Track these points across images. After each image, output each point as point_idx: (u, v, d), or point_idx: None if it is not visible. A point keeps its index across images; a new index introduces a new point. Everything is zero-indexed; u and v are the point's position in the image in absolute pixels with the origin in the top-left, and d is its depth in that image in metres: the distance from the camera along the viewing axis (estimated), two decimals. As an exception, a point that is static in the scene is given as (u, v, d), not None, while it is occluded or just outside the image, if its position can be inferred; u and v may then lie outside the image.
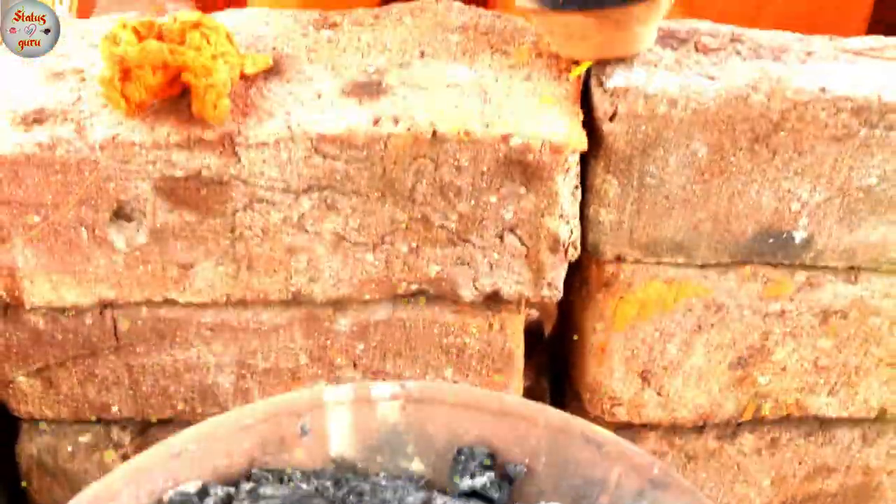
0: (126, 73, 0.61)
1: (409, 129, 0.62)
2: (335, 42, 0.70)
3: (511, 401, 0.56)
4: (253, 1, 1.21)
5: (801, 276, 0.71)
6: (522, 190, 0.64)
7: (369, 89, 0.65)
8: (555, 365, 0.87)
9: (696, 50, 0.69)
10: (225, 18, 0.72)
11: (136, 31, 0.62)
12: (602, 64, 0.66)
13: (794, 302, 0.72)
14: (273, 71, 0.67)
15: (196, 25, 0.63)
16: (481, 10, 0.74)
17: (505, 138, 0.62)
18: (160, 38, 0.63)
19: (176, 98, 0.64)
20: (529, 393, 0.83)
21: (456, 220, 0.65)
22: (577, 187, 0.66)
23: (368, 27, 0.72)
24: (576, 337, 0.77)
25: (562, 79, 0.67)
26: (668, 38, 0.70)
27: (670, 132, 0.64)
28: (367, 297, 0.70)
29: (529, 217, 0.65)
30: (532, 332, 0.84)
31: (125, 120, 0.63)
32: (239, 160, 0.62)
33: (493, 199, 0.64)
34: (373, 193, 0.64)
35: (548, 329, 0.89)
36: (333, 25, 0.72)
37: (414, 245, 0.67)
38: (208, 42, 0.63)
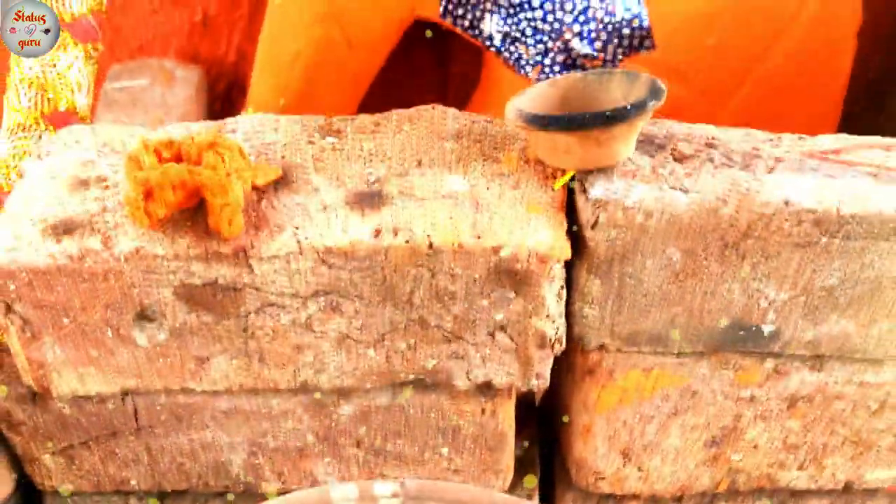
0: (149, 193, 0.66)
1: (407, 242, 0.68)
2: (339, 150, 0.76)
3: (501, 499, 0.61)
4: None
5: (769, 364, 0.77)
6: (512, 295, 0.70)
7: (371, 200, 0.71)
8: (544, 430, 0.93)
9: (673, 158, 0.75)
10: (238, 124, 0.78)
11: (157, 153, 0.68)
12: (585, 173, 0.72)
13: (763, 388, 0.78)
14: (283, 181, 0.73)
15: (212, 145, 0.69)
16: (474, 116, 0.79)
17: (495, 249, 0.68)
18: (179, 157, 0.69)
19: (194, 209, 0.70)
20: (521, 462, 0.88)
21: (451, 321, 0.71)
22: (562, 288, 0.72)
23: (370, 134, 0.77)
24: (565, 419, 0.82)
25: (548, 185, 0.73)
26: (646, 144, 0.76)
27: (647, 240, 0.70)
28: (369, 385, 0.76)
29: (518, 318, 0.71)
30: (523, 403, 0.91)
31: (147, 232, 0.68)
32: (252, 271, 0.68)
33: (485, 303, 0.70)
34: (374, 298, 0.70)
35: (538, 398, 0.95)
36: (337, 132, 0.78)
37: (412, 342, 0.72)
38: (223, 160, 0.68)
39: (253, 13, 1.39)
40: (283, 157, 0.75)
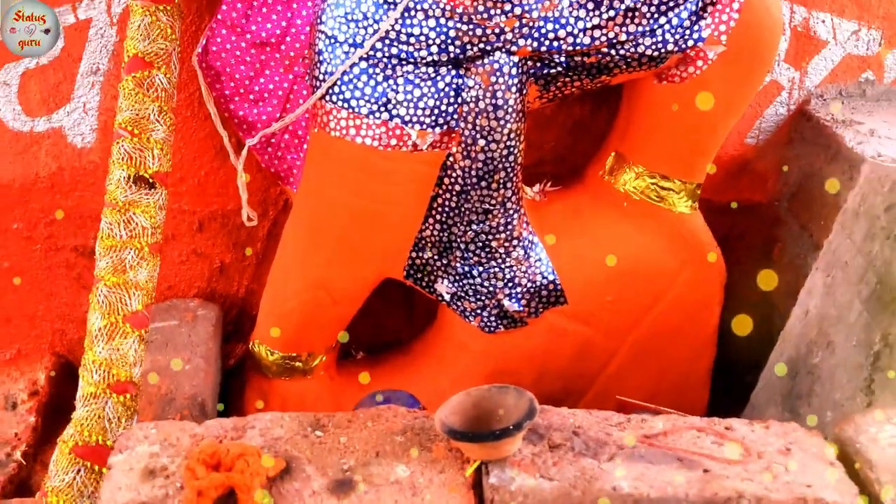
0: (200, 493, 1.03)
1: (367, 520, 1.04)
2: (325, 443, 1.12)
3: None
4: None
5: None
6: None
7: (344, 487, 1.07)
8: None
9: (549, 446, 1.11)
10: (256, 421, 1.15)
11: (205, 463, 1.05)
12: (487, 462, 1.09)
13: None
14: (286, 470, 1.09)
15: (240, 455, 1.05)
16: (417, 413, 1.17)
17: (425, 525, 1.04)
18: (218, 462, 1.06)
19: (227, 495, 1.05)
20: None
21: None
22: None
23: (345, 428, 1.14)
24: None
25: (464, 469, 1.10)
26: (532, 434, 1.13)
27: (527, 511, 1.06)
28: None
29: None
30: None
31: (197, 515, 1.04)
32: (266, 541, 1.04)
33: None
34: (346, 555, 1.05)
35: None
36: (323, 427, 1.14)
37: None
38: (248, 465, 1.05)
39: (260, 261, 1.78)
40: (286, 449, 1.12)
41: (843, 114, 1.68)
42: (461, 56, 1.38)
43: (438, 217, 1.51)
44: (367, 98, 1.39)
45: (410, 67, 1.38)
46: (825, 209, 1.61)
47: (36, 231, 1.69)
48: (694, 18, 1.38)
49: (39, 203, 1.66)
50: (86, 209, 1.67)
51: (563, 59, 1.39)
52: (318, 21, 1.41)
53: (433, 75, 1.39)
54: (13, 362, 1.77)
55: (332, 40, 1.39)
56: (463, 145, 1.44)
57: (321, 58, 1.41)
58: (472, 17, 1.35)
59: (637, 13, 1.36)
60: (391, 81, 1.39)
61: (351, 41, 1.38)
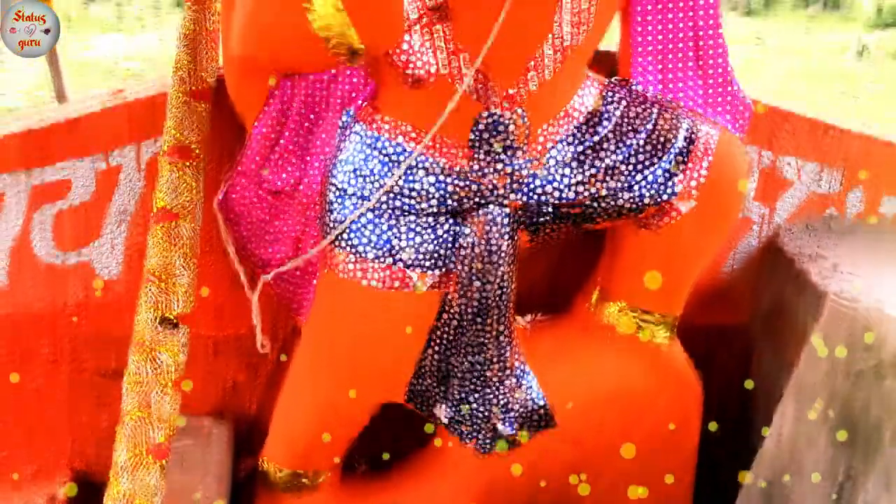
0: None
1: None
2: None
3: None
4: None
5: None
6: None
7: None
8: None
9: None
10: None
11: None
12: None
13: None
14: None
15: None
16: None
17: None
18: None
19: None
20: None
21: None
22: None
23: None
24: None
25: None
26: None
27: None
28: None
29: None
30: None
31: None
32: None
33: None
34: None
35: None
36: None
37: None
38: None
39: (270, 380, 1.89)
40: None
41: (809, 247, 1.82)
42: (458, 208, 1.53)
43: (437, 348, 1.64)
44: (372, 244, 1.54)
45: (412, 217, 1.53)
46: (795, 336, 1.74)
47: (62, 355, 1.81)
48: (668, 175, 1.53)
49: (66, 330, 1.79)
50: (109, 335, 1.79)
51: (550, 210, 1.54)
52: (330, 174, 1.56)
53: (433, 224, 1.53)
54: (33, 479, 1.87)
55: (342, 192, 1.54)
56: (460, 286, 1.57)
57: (331, 207, 1.56)
58: (468, 174, 1.50)
59: (616, 171, 1.52)
60: (395, 230, 1.53)
61: (359, 194, 1.53)
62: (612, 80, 1.59)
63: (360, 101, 1.56)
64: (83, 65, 9.07)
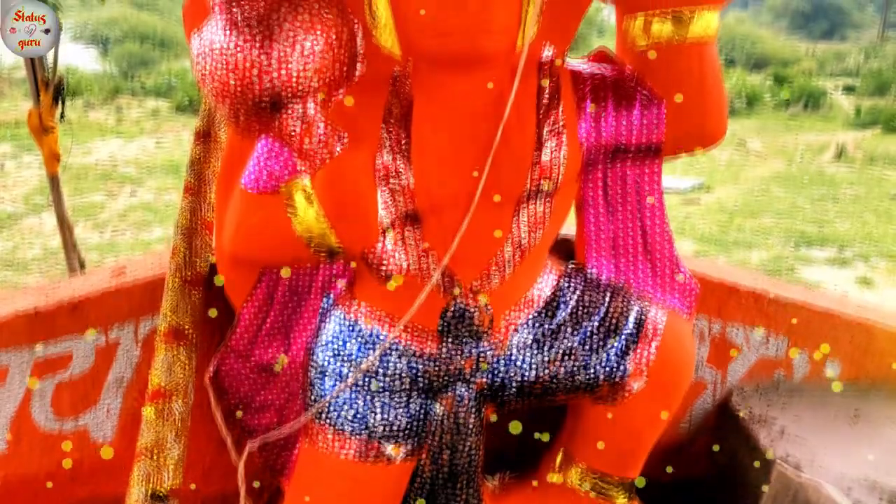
0: None
1: None
2: None
3: None
4: None
5: None
6: None
7: None
8: None
9: None
10: None
11: None
12: None
13: None
14: None
15: None
16: None
17: None
18: None
19: None
20: None
21: None
22: None
23: None
24: None
25: None
26: None
27: None
28: None
29: None
30: None
31: None
32: None
33: None
34: None
35: None
36: None
37: None
38: None
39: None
40: None
41: (759, 408, 1.96)
42: (429, 387, 1.66)
43: (411, 513, 1.75)
44: (349, 420, 1.66)
45: (387, 396, 1.66)
46: (750, 490, 1.87)
47: (57, 516, 1.92)
48: (620, 356, 1.67)
49: (61, 492, 1.89)
50: (102, 496, 1.90)
51: (514, 388, 1.68)
52: (312, 353, 1.70)
53: (406, 401, 1.67)
54: None
55: (322, 372, 1.68)
56: (431, 455, 1.69)
57: (312, 384, 1.69)
58: (438, 358, 1.64)
59: (573, 353, 1.66)
60: (370, 407, 1.66)
61: (337, 374, 1.67)
62: (570, 265, 1.75)
63: (339, 288, 1.71)
64: (82, 168, 9.31)
